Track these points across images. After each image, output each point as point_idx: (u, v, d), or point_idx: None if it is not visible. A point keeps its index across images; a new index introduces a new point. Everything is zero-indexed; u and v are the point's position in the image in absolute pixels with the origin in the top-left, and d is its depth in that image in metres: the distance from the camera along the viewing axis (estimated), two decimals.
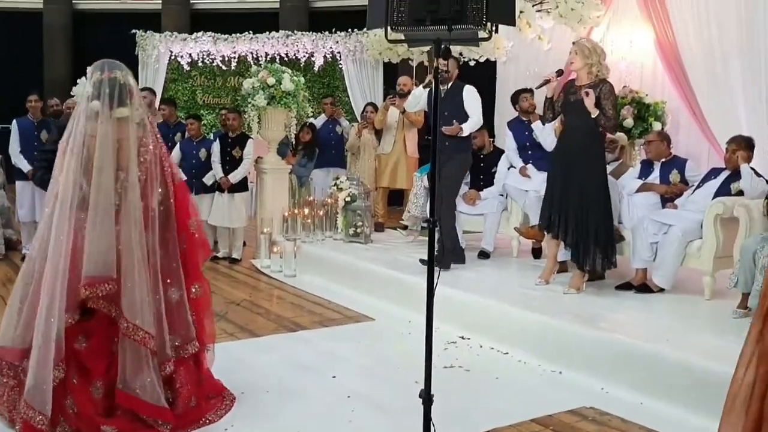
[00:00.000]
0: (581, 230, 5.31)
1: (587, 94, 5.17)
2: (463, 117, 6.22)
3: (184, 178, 7.37)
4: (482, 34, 2.90)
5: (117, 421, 3.34)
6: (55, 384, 3.22)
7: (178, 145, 8.07)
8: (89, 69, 3.44)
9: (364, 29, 11.12)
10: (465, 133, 6.21)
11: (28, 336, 3.33)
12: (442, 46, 2.91)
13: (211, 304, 3.86)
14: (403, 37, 3.19)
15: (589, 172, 5.32)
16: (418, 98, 6.50)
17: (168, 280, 3.47)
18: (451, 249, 6.23)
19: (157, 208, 3.44)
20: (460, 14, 2.82)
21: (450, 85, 6.27)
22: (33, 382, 3.23)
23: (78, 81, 11.88)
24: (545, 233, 5.72)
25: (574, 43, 5.49)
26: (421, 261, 6.21)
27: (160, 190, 3.46)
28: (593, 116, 5.18)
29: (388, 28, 2.98)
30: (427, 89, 6.31)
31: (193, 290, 3.62)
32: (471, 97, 6.28)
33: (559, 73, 5.50)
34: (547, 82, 5.47)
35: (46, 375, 3.21)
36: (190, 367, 3.62)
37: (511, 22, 3.22)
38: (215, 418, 3.64)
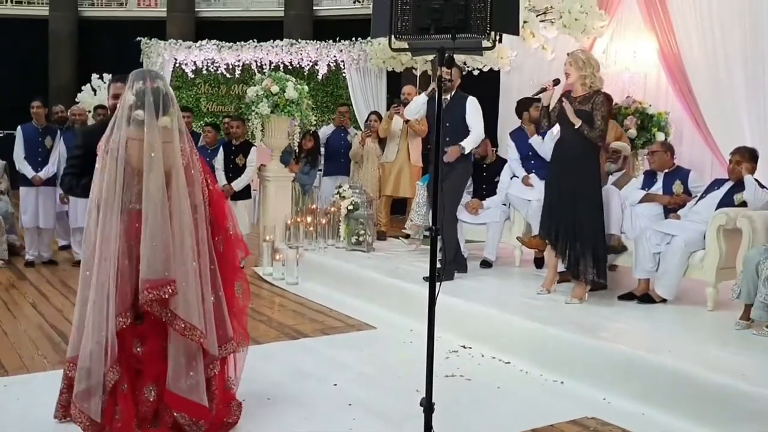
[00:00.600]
0: (572, 240, 5.34)
1: (562, 102, 5.25)
2: (464, 128, 6.21)
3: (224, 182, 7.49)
4: (486, 43, 2.91)
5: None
6: (110, 386, 3.27)
7: None
8: (130, 76, 3.44)
9: (368, 38, 11.18)
10: (466, 151, 6.18)
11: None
12: (446, 55, 2.92)
13: (249, 302, 3.91)
14: (407, 46, 3.20)
15: (583, 182, 5.35)
16: (419, 106, 6.50)
17: (208, 282, 3.51)
18: (452, 260, 6.23)
19: (199, 212, 3.50)
20: (464, 23, 2.83)
21: (452, 94, 6.27)
22: (84, 386, 3.27)
23: (83, 88, 11.97)
24: (545, 242, 5.73)
25: (568, 54, 5.51)
26: (425, 279, 6.19)
27: (197, 194, 3.51)
28: (575, 126, 5.22)
29: (392, 36, 2.99)
30: (429, 98, 6.32)
31: (236, 288, 3.67)
32: (473, 110, 6.25)
33: (556, 82, 5.51)
34: (543, 90, 5.47)
35: (98, 378, 3.25)
36: (222, 369, 3.65)
37: (515, 31, 3.23)
38: (231, 425, 3.65)
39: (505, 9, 2.90)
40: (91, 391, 3.27)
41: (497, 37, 2.88)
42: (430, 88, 6.41)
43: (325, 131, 9.48)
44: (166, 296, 3.29)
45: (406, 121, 7.86)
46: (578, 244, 5.32)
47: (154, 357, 3.42)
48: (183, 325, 3.34)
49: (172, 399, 3.37)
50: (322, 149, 9.55)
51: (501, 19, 2.85)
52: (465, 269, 6.35)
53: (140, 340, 3.40)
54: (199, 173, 3.54)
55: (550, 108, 5.48)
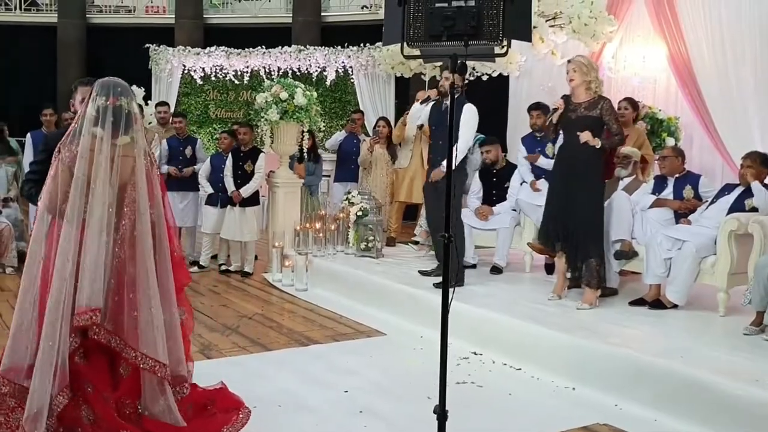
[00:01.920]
0: (574, 245, 5.39)
1: (580, 133, 5.28)
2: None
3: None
4: (498, 50, 2.91)
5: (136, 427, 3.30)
6: (59, 410, 3.11)
7: (208, 159, 8.17)
8: (95, 86, 3.30)
9: (377, 44, 11.19)
10: (456, 156, 6.17)
11: (29, 352, 3.21)
12: (458, 61, 2.91)
13: (192, 329, 3.77)
14: (419, 53, 3.20)
15: (587, 189, 5.38)
16: (419, 113, 6.55)
17: (163, 303, 3.37)
18: (460, 267, 6.22)
19: (158, 231, 3.37)
20: (476, 30, 2.83)
21: (451, 99, 6.29)
22: (33, 410, 3.10)
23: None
24: (546, 246, 5.75)
25: (569, 61, 5.51)
26: (420, 272, 6.34)
27: (152, 211, 3.37)
28: (597, 147, 5.26)
29: (404, 43, 2.99)
30: (425, 105, 6.35)
31: (180, 312, 3.52)
32: (466, 118, 6.20)
33: (565, 99, 5.53)
34: (555, 110, 5.51)
35: (44, 401, 3.10)
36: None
37: (528, 38, 3.23)
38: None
39: (517, 16, 2.90)
40: (37, 415, 3.09)
41: (509, 44, 2.89)
42: (425, 96, 6.44)
43: (337, 137, 9.49)
44: (84, 323, 3.13)
45: (420, 127, 7.86)
46: (580, 250, 5.37)
47: (100, 370, 3.28)
48: (134, 354, 3.21)
49: (149, 424, 3.28)
50: (332, 156, 9.57)
51: (513, 26, 2.85)
52: (462, 282, 6.07)
53: (84, 354, 3.25)
54: (159, 191, 3.41)
55: (557, 121, 5.51)
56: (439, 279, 3.19)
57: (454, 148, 5.96)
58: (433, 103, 6.43)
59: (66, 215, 3.18)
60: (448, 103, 6.10)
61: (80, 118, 3.26)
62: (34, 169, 3.82)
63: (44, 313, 3.18)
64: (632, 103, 6.82)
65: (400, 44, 3.03)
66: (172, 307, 3.40)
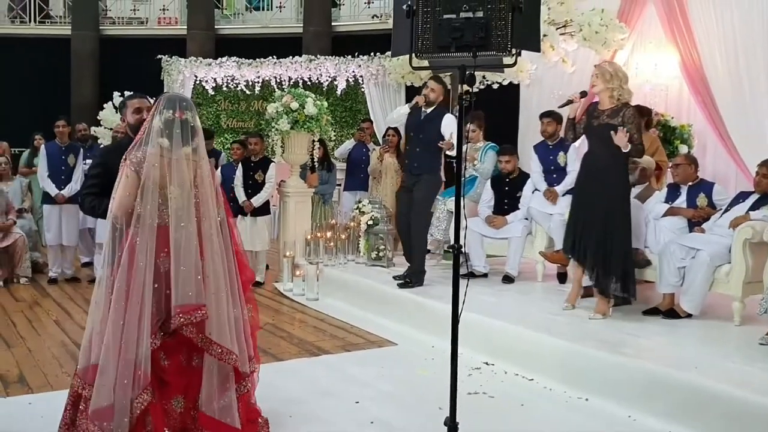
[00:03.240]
0: (600, 255, 5.27)
1: (615, 131, 5.14)
2: (438, 140, 6.30)
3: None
4: (507, 60, 2.90)
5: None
6: (143, 407, 3.24)
7: (219, 169, 8.21)
8: (161, 100, 3.47)
9: (387, 53, 11.20)
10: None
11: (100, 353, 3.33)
12: (467, 72, 2.90)
13: (258, 328, 3.90)
14: (427, 64, 3.20)
15: (612, 197, 5.28)
16: (401, 116, 6.60)
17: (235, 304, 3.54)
18: (421, 268, 6.49)
19: (224, 232, 3.55)
20: (485, 41, 2.83)
21: (433, 109, 6.42)
22: (106, 403, 3.21)
23: (105, 106, 12.08)
24: (569, 257, 5.68)
25: (595, 66, 5.47)
26: (395, 278, 6.53)
27: (223, 214, 3.58)
28: (625, 150, 5.14)
29: (413, 55, 2.99)
30: (411, 110, 6.49)
31: (246, 311, 3.68)
32: (449, 122, 6.29)
33: (583, 94, 5.48)
34: (570, 102, 5.45)
35: (125, 399, 3.22)
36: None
37: (536, 48, 3.21)
38: None
39: (526, 26, 2.89)
40: (114, 411, 3.21)
41: (519, 54, 2.88)
42: (414, 101, 6.48)
43: (346, 146, 9.51)
44: (197, 320, 3.32)
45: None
46: (607, 260, 5.24)
47: (178, 371, 3.43)
48: (220, 350, 3.38)
49: (206, 421, 3.38)
50: (344, 164, 9.58)
51: (522, 37, 2.84)
52: (421, 282, 6.42)
53: (166, 354, 3.41)
54: (221, 196, 3.62)
55: (576, 120, 5.45)
56: (457, 290, 3.18)
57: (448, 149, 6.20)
58: (410, 110, 6.53)
59: (140, 220, 3.34)
60: (428, 111, 6.39)
61: (146, 129, 3.44)
62: (91, 183, 3.99)
63: (123, 319, 3.29)
64: (641, 110, 6.76)
65: (408, 55, 3.02)
66: (240, 305, 3.56)
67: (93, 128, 12.19)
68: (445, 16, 2.88)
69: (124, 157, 3.44)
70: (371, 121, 10.23)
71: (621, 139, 5.11)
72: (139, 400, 3.24)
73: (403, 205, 6.63)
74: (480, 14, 2.82)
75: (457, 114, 3.40)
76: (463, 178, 3.06)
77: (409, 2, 2.92)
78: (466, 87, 2.93)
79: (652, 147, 6.58)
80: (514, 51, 2.85)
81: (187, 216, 3.38)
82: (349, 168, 9.36)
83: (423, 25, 2.95)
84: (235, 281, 3.55)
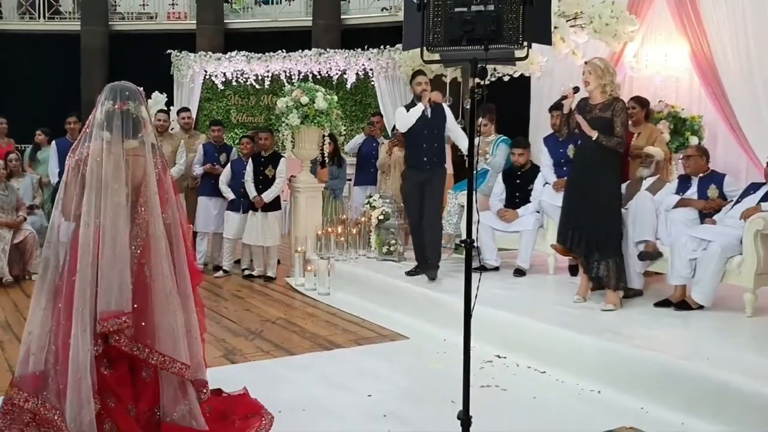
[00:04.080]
0: (593, 247, 5.39)
1: (576, 119, 5.38)
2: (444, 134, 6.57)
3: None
4: (519, 53, 2.90)
5: None
6: (86, 420, 3.09)
7: (229, 165, 8.23)
8: (103, 91, 3.33)
9: (397, 46, 11.18)
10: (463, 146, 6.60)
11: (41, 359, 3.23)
12: (479, 66, 2.90)
13: (206, 329, 3.74)
14: (438, 58, 3.19)
15: (602, 189, 5.37)
16: (412, 121, 6.60)
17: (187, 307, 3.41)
18: (437, 261, 6.54)
19: (174, 233, 3.38)
20: (496, 34, 2.82)
21: (431, 104, 6.53)
22: (74, 415, 3.09)
23: None
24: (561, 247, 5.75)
25: (586, 63, 5.52)
26: (407, 273, 6.57)
27: (166, 213, 3.38)
28: (593, 138, 5.26)
29: (424, 48, 2.99)
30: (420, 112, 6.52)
31: (196, 316, 3.53)
32: (451, 117, 6.61)
33: (576, 89, 5.53)
34: (564, 98, 5.50)
35: (88, 407, 3.09)
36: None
37: (548, 41, 3.21)
38: None
39: (537, 19, 2.88)
40: (83, 420, 3.08)
41: (530, 46, 2.87)
42: (425, 104, 6.46)
43: (356, 141, 9.51)
44: (114, 328, 3.13)
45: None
46: (598, 251, 5.36)
47: (124, 380, 3.28)
48: (163, 359, 3.21)
49: (168, 429, 3.28)
50: (354, 159, 9.59)
51: (533, 29, 2.84)
52: (435, 277, 6.45)
53: (109, 363, 3.25)
54: (171, 193, 3.42)
55: (569, 113, 5.50)
56: (469, 285, 3.18)
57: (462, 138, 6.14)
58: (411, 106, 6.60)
59: (82, 218, 3.18)
60: (431, 107, 6.50)
61: (90, 122, 3.30)
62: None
63: (59, 322, 3.18)
64: (640, 101, 6.73)
65: (419, 49, 3.02)
66: (190, 309, 3.40)
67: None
68: (456, 9, 2.87)
69: (69, 153, 3.30)
70: (381, 115, 10.21)
71: (587, 127, 5.28)
72: (86, 410, 3.08)
73: (415, 202, 6.63)
74: (491, 7, 2.81)
75: (468, 106, 3.39)
76: (474, 172, 3.06)
77: None
78: (477, 80, 2.93)
79: (651, 138, 6.55)
80: (525, 44, 2.84)
81: (121, 216, 3.20)
82: (360, 163, 9.36)
83: (434, 18, 2.94)
84: (188, 284, 3.39)
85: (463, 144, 6.52)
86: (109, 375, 3.23)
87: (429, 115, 6.49)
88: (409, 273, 6.68)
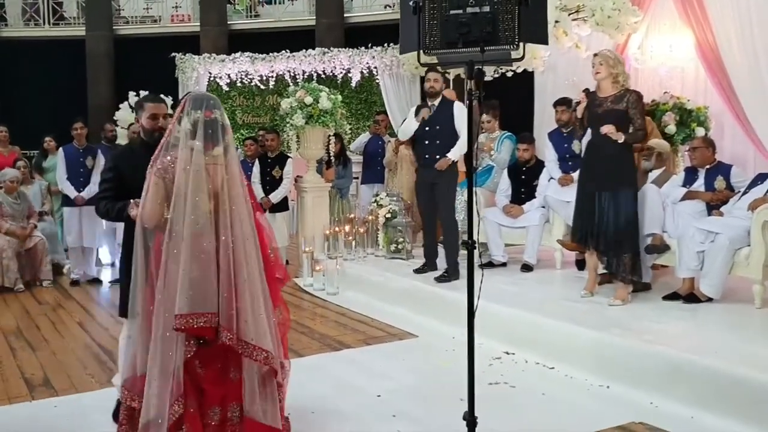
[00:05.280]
0: (610, 241, 5.32)
1: (621, 117, 5.27)
2: (454, 132, 6.44)
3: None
4: (515, 54, 2.89)
5: None
6: (174, 419, 3.18)
7: None
8: (187, 101, 3.39)
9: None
10: (454, 159, 6.47)
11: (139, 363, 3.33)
12: (475, 68, 2.90)
13: (289, 328, 3.84)
14: (435, 60, 3.19)
15: (619, 183, 5.32)
16: (412, 131, 6.64)
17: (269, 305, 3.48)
18: (456, 261, 6.46)
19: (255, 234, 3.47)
20: (492, 36, 2.82)
21: (439, 100, 6.47)
22: (150, 417, 3.18)
23: (120, 105, 12.17)
24: (578, 244, 5.71)
25: (596, 54, 5.47)
26: (436, 279, 6.40)
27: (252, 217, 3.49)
28: (620, 141, 5.20)
29: (421, 51, 2.99)
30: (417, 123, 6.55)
31: (277, 313, 3.61)
32: (461, 115, 6.40)
33: (587, 92, 5.49)
34: (578, 104, 5.50)
35: (163, 410, 3.17)
36: None
37: (544, 40, 3.21)
38: None
39: (533, 19, 2.88)
40: (152, 425, 3.17)
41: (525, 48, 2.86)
42: (420, 116, 6.46)
43: (362, 140, 9.51)
44: (198, 326, 3.20)
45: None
46: (615, 245, 5.30)
47: (216, 379, 3.36)
48: (265, 355, 3.29)
49: (251, 425, 3.32)
50: (360, 158, 9.60)
51: (529, 29, 2.83)
52: (458, 276, 6.39)
53: (201, 362, 3.34)
54: (249, 197, 3.52)
55: (584, 119, 5.50)
56: (472, 284, 3.18)
57: (456, 147, 6.29)
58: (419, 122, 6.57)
59: (169, 227, 3.25)
60: (436, 103, 6.47)
61: (171, 132, 3.37)
62: (105, 187, 3.93)
63: (152, 325, 3.25)
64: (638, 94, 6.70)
65: (416, 52, 3.02)
66: (270, 308, 3.47)
67: (111, 127, 12.29)
68: (452, 12, 2.87)
69: (150, 163, 3.36)
70: (386, 113, 10.20)
71: (609, 129, 5.19)
72: (171, 411, 3.17)
73: (426, 201, 6.64)
74: (486, 9, 2.81)
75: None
76: (475, 174, 3.05)
77: None
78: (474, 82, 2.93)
79: (649, 128, 6.53)
80: (521, 44, 2.84)
81: (207, 222, 3.28)
82: (366, 161, 9.36)
83: (430, 21, 2.94)
84: (266, 284, 3.46)
85: (456, 146, 6.43)
86: (202, 374, 3.32)
87: (431, 114, 6.47)
88: (417, 270, 6.69)
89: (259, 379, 3.37)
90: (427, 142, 6.49)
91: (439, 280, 6.38)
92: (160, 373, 3.19)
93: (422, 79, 11.36)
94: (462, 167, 8.27)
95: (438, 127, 6.46)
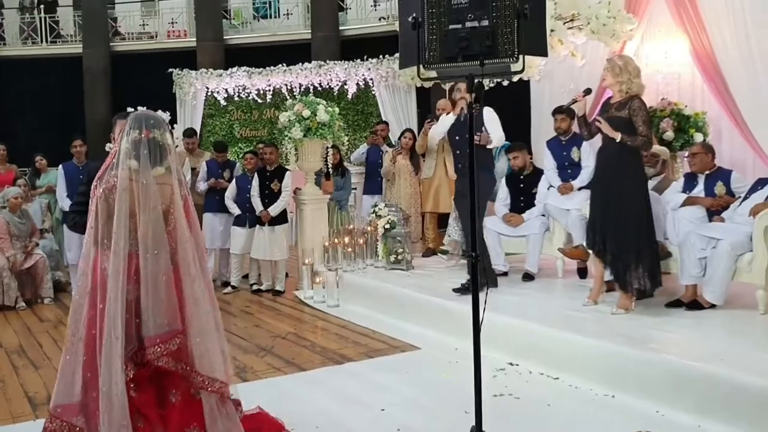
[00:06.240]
0: (621, 249, 5.24)
1: (599, 121, 5.22)
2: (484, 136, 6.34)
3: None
4: (515, 66, 2.89)
5: None
6: None
7: (234, 180, 8.26)
8: (128, 121, 3.38)
9: (396, 54, 11.19)
10: (493, 144, 6.41)
11: (78, 390, 3.27)
12: (475, 81, 2.90)
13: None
14: (435, 74, 3.19)
15: (628, 190, 5.26)
16: (445, 128, 6.59)
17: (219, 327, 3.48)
18: (490, 266, 6.36)
19: (202, 256, 3.46)
20: (491, 49, 2.82)
21: (466, 108, 6.33)
22: None
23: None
24: (589, 253, 5.67)
25: (607, 60, 5.47)
26: (454, 290, 6.17)
27: (198, 238, 3.48)
28: (617, 140, 5.15)
29: (421, 66, 2.99)
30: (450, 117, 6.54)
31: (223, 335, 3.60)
32: (490, 118, 6.39)
33: (587, 91, 5.45)
34: (574, 101, 5.45)
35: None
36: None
37: (543, 52, 3.20)
38: None
39: (532, 32, 2.87)
40: None
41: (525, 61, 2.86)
42: (458, 108, 6.44)
43: (360, 151, 9.54)
44: (174, 349, 3.22)
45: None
46: (626, 254, 5.22)
47: (151, 403, 3.32)
48: (201, 379, 3.28)
49: None
50: (359, 168, 9.61)
51: (528, 42, 2.83)
52: (495, 284, 6.27)
53: (137, 385, 3.29)
54: (195, 218, 3.50)
55: (588, 116, 5.45)
56: (476, 299, 3.15)
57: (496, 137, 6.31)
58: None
59: (112, 248, 3.21)
60: (465, 112, 6.22)
61: (115, 152, 3.35)
62: (78, 200, 3.96)
63: (94, 349, 3.20)
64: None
65: (416, 67, 3.02)
66: (220, 326, 3.46)
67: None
68: (451, 27, 2.87)
69: (94, 182, 3.35)
70: (386, 123, 10.22)
71: (609, 129, 5.17)
72: None
73: (465, 209, 6.49)
74: (485, 23, 2.81)
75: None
76: (476, 185, 3.05)
77: (415, 14, 2.91)
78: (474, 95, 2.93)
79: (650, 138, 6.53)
80: (521, 57, 2.84)
81: (159, 242, 3.26)
82: (368, 171, 9.37)
83: (429, 36, 2.94)
84: (214, 305, 3.45)
85: (496, 138, 6.40)
86: (136, 398, 3.26)
87: (460, 123, 6.40)
88: (457, 290, 6.14)
89: (217, 399, 3.35)
90: (458, 151, 6.40)
91: (457, 291, 6.15)
92: (110, 403, 3.12)
93: (418, 89, 11.48)
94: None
95: (467, 136, 6.33)
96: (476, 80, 2.91)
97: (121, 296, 3.18)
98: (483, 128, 6.26)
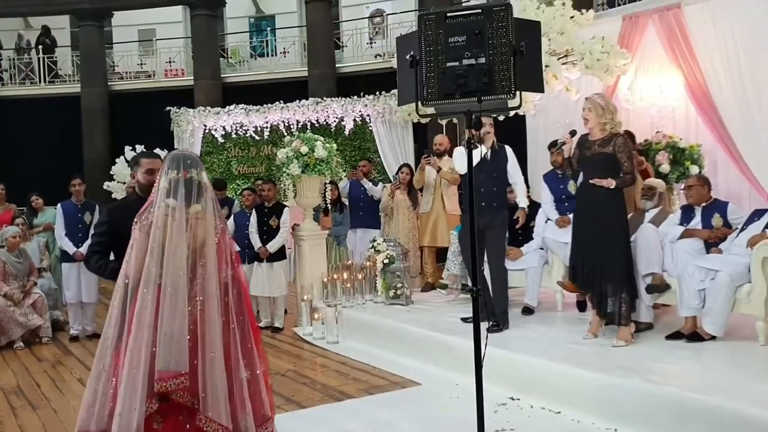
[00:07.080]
0: (601, 281, 5.37)
1: (592, 180, 5.37)
2: (505, 176, 6.39)
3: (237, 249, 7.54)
4: (511, 103, 2.93)
5: None
6: None
7: (232, 217, 8.28)
8: (165, 161, 3.46)
9: (392, 91, 11.30)
10: (520, 198, 6.56)
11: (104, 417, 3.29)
12: (473, 117, 2.94)
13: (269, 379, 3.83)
14: (434, 111, 3.23)
15: (609, 225, 5.36)
16: (461, 157, 6.60)
17: (245, 362, 3.44)
18: (505, 310, 6.23)
19: (231, 291, 3.45)
20: (488, 86, 2.86)
21: (491, 144, 6.38)
22: None
23: (117, 160, 12.24)
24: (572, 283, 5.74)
25: (586, 99, 5.54)
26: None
27: (231, 272, 3.47)
28: (612, 188, 5.28)
29: (419, 103, 3.03)
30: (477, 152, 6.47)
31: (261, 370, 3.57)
32: (514, 159, 6.45)
33: (572, 133, 5.61)
34: (563, 144, 5.57)
35: None
36: None
37: (540, 89, 3.24)
38: None
39: (528, 68, 2.92)
40: None
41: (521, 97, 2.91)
42: (488, 142, 6.44)
43: (343, 185, 9.64)
44: (173, 388, 3.21)
45: (438, 170, 7.94)
46: (608, 285, 5.35)
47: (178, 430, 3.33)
48: (202, 419, 3.26)
49: None
50: (346, 201, 9.68)
51: (525, 78, 2.87)
52: (508, 323, 6.21)
53: (162, 417, 3.30)
54: (231, 254, 3.52)
55: (571, 155, 5.59)
56: (478, 336, 3.15)
57: (522, 195, 6.56)
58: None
59: (142, 282, 3.27)
60: (489, 149, 6.31)
61: (155, 190, 3.42)
62: (97, 240, 3.96)
63: (119, 380, 3.22)
64: (630, 135, 6.74)
65: (415, 104, 3.06)
66: (255, 364, 3.46)
67: (106, 183, 12.34)
68: (449, 64, 2.91)
69: (135, 219, 3.41)
70: (368, 160, 10.36)
71: (599, 182, 5.28)
72: None
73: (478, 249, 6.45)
74: (482, 60, 2.85)
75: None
76: (476, 219, 3.07)
77: (412, 52, 2.96)
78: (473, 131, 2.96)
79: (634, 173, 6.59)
80: (518, 93, 2.88)
81: (181, 279, 3.28)
82: (350, 206, 9.45)
83: (427, 73, 2.98)
84: (250, 339, 3.47)
85: (520, 193, 6.51)
86: (160, 429, 3.29)
87: (488, 158, 6.32)
88: (490, 330, 5.70)
89: None
90: (482, 189, 6.21)
91: (491, 330, 5.77)
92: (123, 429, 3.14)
93: (415, 125, 11.57)
94: (455, 211, 8.31)
95: (494, 175, 6.27)
96: (474, 116, 2.94)
97: (146, 329, 3.21)
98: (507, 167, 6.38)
